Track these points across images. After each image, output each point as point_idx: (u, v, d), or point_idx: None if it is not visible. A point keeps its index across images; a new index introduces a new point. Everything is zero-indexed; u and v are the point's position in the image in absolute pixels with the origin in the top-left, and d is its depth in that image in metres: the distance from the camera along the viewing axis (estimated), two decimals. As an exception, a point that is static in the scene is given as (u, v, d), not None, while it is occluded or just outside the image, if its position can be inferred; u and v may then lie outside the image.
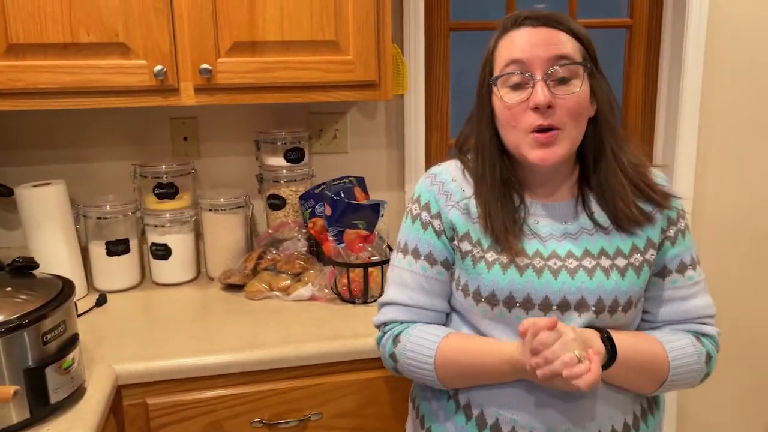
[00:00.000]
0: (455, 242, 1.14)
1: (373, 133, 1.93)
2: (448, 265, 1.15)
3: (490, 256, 1.09)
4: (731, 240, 2.17)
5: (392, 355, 1.16)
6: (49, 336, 1.09)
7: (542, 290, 1.06)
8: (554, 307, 1.06)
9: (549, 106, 1.02)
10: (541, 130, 1.03)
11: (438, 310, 1.17)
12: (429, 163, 2.01)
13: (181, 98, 1.51)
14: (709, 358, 1.12)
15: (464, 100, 2.33)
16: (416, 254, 1.16)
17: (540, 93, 1.02)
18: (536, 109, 1.02)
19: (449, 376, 1.11)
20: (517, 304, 1.07)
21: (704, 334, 1.13)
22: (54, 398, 1.10)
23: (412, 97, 1.90)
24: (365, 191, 1.80)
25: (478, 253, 1.10)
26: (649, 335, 1.11)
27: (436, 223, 1.15)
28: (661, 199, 1.10)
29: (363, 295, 1.58)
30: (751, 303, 2.23)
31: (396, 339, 1.15)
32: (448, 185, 1.16)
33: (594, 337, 1.03)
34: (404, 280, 1.17)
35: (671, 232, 1.12)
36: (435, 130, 2.02)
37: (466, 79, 2.36)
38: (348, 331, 1.43)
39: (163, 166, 1.73)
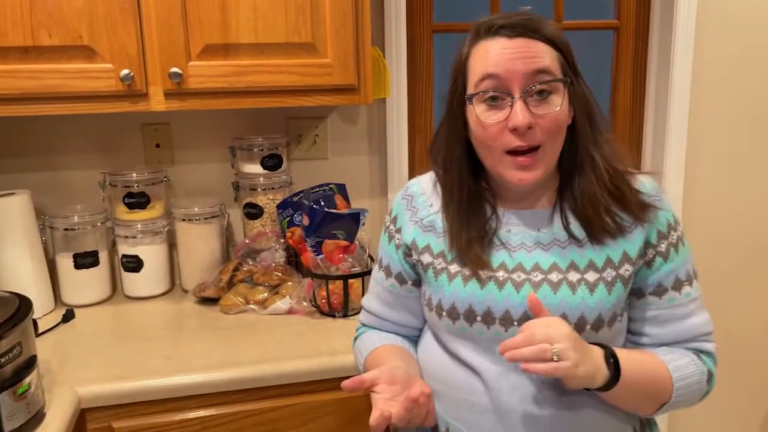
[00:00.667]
0: (414, 257, 1.11)
1: (355, 138, 1.87)
2: (402, 280, 1.14)
3: (453, 268, 1.05)
4: (721, 244, 2.13)
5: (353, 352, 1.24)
6: (2, 360, 1.02)
7: (503, 304, 1.01)
8: (515, 323, 1.00)
9: (529, 127, 0.96)
10: (520, 151, 0.98)
11: (395, 322, 1.18)
12: (412, 168, 1.95)
13: (150, 104, 1.44)
14: (710, 376, 1.06)
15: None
16: (380, 264, 1.18)
17: (519, 114, 0.95)
18: (515, 130, 0.96)
19: None
20: (478, 318, 1.02)
21: (704, 351, 1.07)
22: (8, 426, 1.03)
23: (394, 101, 1.84)
24: (346, 199, 1.73)
25: (440, 264, 1.07)
26: (650, 354, 1.05)
27: (397, 237, 1.14)
28: (637, 210, 1.02)
29: (343, 308, 1.52)
30: (742, 309, 2.19)
31: (355, 340, 1.24)
32: (417, 199, 1.14)
33: (596, 353, 0.96)
34: (371, 287, 1.23)
35: (662, 247, 1.04)
36: (418, 135, 1.96)
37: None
38: (327, 348, 1.36)
39: (134, 175, 1.66)
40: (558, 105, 0.97)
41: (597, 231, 1.01)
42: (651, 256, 1.04)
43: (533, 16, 0.99)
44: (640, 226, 1.03)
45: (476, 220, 1.05)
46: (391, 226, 1.16)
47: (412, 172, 1.95)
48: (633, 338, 1.09)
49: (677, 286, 1.05)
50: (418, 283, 1.14)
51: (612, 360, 0.97)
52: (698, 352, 1.07)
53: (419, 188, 1.15)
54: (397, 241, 1.14)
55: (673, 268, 1.05)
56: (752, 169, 2.14)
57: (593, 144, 1.02)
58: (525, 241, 1.04)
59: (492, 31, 0.98)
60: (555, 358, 0.89)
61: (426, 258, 1.08)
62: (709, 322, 1.08)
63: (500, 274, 1.02)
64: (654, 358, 1.04)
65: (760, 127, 2.11)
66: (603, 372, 0.95)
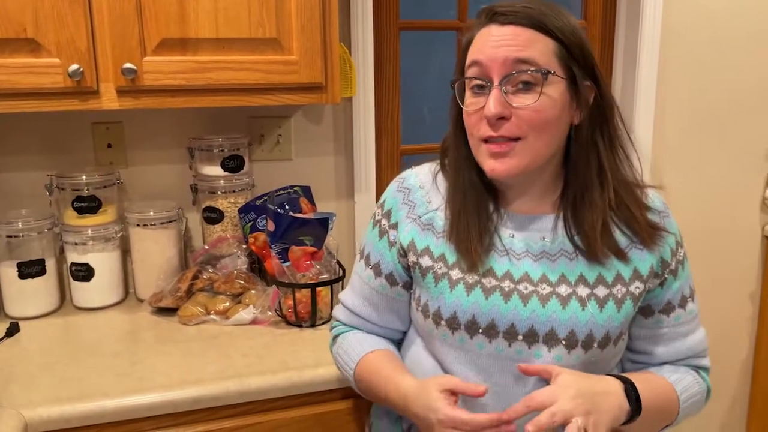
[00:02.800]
0: (411, 259, 1.03)
1: (320, 138, 1.79)
2: (393, 281, 1.07)
3: (455, 273, 0.98)
4: (685, 240, 2.13)
5: (331, 351, 1.17)
6: (-64, 387, 0.92)
7: (508, 317, 0.95)
8: (520, 337, 0.95)
9: (501, 117, 0.91)
10: (493, 139, 0.93)
11: (379, 324, 1.11)
12: (380, 170, 1.89)
13: (101, 101, 1.34)
14: (708, 392, 1.05)
15: (415, 103, 2.24)
16: (368, 261, 1.10)
17: (491, 104, 0.91)
18: (487, 119, 0.92)
19: (365, 393, 1.10)
20: (480, 331, 0.96)
21: (701, 368, 1.06)
22: (-56, 461, 0.93)
23: (361, 101, 1.77)
24: (312, 201, 1.66)
25: (440, 269, 1.00)
26: (659, 377, 1.02)
27: (392, 233, 1.06)
28: (646, 234, 0.97)
29: (311, 318, 1.45)
30: (703, 306, 2.20)
31: (335, 339, 1.16)
32: (414, 193, 1.06)
33: (613, 389, 0.92)
34: (354, 284, 1.14)
35: (673, 265, 1.01)
36: (385, 136, 1.90)
37: (417, 82, 2.26)
38: (295, 361, 1.29)
39: (84, 177, 1.55)
40: (536, 97, 0.91)
41: (593, 249, 0.96)
42: (666, 275, 1.00)
43: (540, 5, 0.93)
44: (646, 249, 0.98)
45: (477, 208, 0.99)
46: (384, 221, 1.08)
47: (380, 174, 1.89)
48: (633, 356, 1.06)
49: (683, 303, 1.03)
50: (409, 285, 1.07)
51: (634, 394, 0.93)
52: (697, 368, 1.05)
53: (417, 181, 1.08)
54: (391, 238, 1.06)
55: (680, 286, 1.03)
56: (715, 166, 2.15)
57: (605, 150, 0.96)
58: (530, 250, 0.99)
59: (488, 17, 0.94)
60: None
61: (425, 261, 1.01)
62: (706, 337, 1.07)
63: (506, 284, 0.97)
64: (664, 381, 1.00)
65: (724, 124, 2.13)
66: (625, 408, 0.91)
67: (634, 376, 0.97)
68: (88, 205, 1.55)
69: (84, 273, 1.55)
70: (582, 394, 0.88)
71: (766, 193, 2.23)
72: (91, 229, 1.55)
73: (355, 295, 1.13)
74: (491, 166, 0.94)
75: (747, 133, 2.16)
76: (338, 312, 1.17)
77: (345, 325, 1.15)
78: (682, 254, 1.04)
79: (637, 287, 0.98)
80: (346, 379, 1.13)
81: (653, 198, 1.03)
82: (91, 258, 1.55)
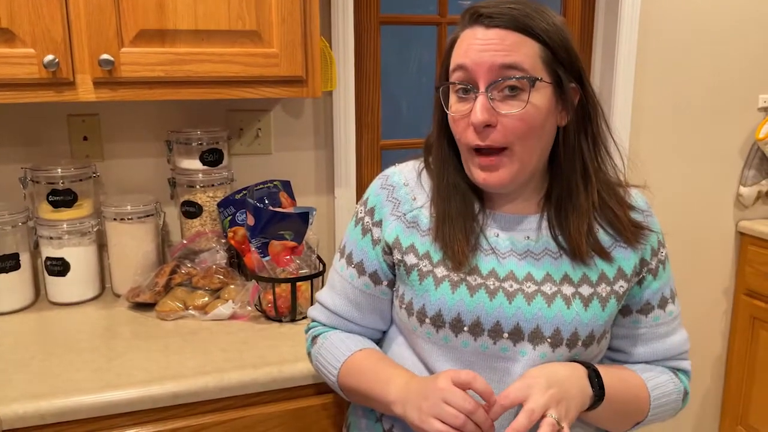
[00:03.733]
0: (396, 256, 1.02)
1: (300, 133, 1.78)
2: (377, 279, 1.05)
3: (440, 271, 0.98)
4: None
5: (309, 354, 1.14)
6: None
7: (494, 314, 0.95)
8: (505, 335, 0.95)
9: (488, 125, 0.90)
10: (482, 150, 0.92)
11: (360, 324, 1.09)
12: (360, 165, 1.89)
13: (77, 93, 1.32)
14: (685, 394, 1.05)
15: (394, 98, 2.23)
16: (350, 260, 1.08)
17: (478, 111, 0.89)
18: (474, 127, 0.91)
19: (349, 394, 1.07)
20: (465, 329, 0.96)
21: (681, 370, 1.06)
22: None
23: (341, 95, 1.76)
24: (291, 196, 1.65)
25: (425, 266, 0.99)
26: (630, 371, 1.02)
27: (376, 231, 1.04)
28: (630, 234, 0.98)
29: (290, 313, 1.44)
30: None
31: (314, 339, 1.12)
32: (399, 191, 1.05)
33: (577, 373, 0.93)
34: (334, 283, 1.11)
35: (653, 264, 1.01)
36: (366, 130, 1.89)
37: (395, 77, 2.25)
38: (275, 356, 1.28)
39: (59, 170, 1.52)
40: (523, 104, 0.89)
41: (579, 252, 0.96)
42: (644, 273, 1.01)
43: (525, 5, 0.91)
44: (630, 248, 0.99)
45: (463, 210, 0.98)
46: (367, 219, 1.06)
47: (360, 169, 1.88)
48: (611, 354, 1.06)
49: (662, 304, 1.03)
50: (392, 283, 1.06)
51: (597, 380, 0.93)
52: (675, 370, 1.05)
53: (401, 178, 1.06)
54: (375, 236, 1.04)
55: (660, 286, 1.03)
56: (691, 161, 2.19)
57: (589, 152, 0.96)
58: (515, 249, 0.98)
59: (473, 19, 0.92)
60: (559, 425, 0.85)
61: (410, 259, 1.00)
62: (687, 340, 1.07)
63: (491, 282, 0.96)
64: (634, 375, 1.01)
65: (699, 121, 2.16)
66: (588, 393, 0.92)
67: (602, 366, 0.97)
68: (63, 198, 1.52)
69: (59, 268, 1.53)
70: (552, 383, 0.89)
71: (740, 190, 2.26)
72: (67, 223, 1.53)
73: (336, 294, 1.10)
74: (482, 177, 0.94)
75: (721, 131, 2.19)
76: (316, 312, 1.14)
77: (324, 325, 1.13)
78: (663, 255, 1.04)
79: (621, 286, 0.98)
80: (326, 380, 1.10)
81: (636, 197, 1.04)
82: (66, 252, 1.53)
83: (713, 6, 2.07)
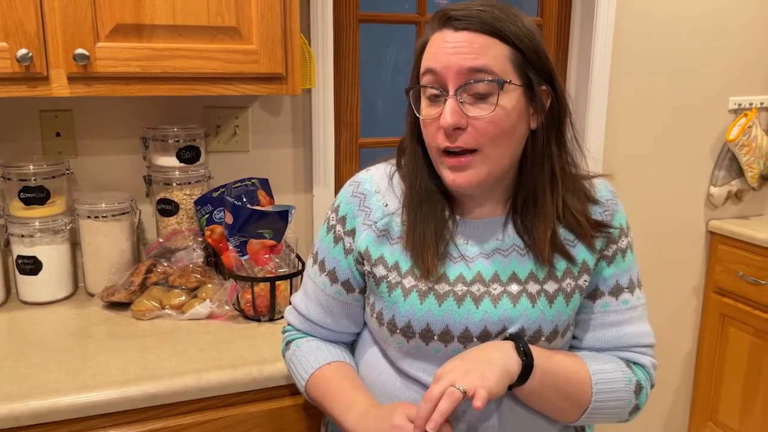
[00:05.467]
0: (366, 267, 1.02)
1: (278, 130, 1.77)
2: (350, 287, 1.06)
3: (408, 282, 0.98)
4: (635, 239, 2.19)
5: (284, 356, 1.16)
6: None
7: (462, 321, 0.96)
8: (475, 339, 0.96)
9: (458, 128, 0.90)
10: (451, 152, 0.92)
11: (334, 330, 1.10)
12: (339, 163, 1.88)
13: (51, 88, 1.29)
14: (639, 388, 1.01)
15: (374, 96, 2.23)
16: (322, 267, 1.08)
17: (448, 114, 0.89)
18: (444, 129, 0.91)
19: (315, 404, 1.08)
20: (435, 337, 0.97)
21: (636, 363, 1.03)
22: None
23: (320, 92, 1.75)
24: (270, 194, 1.64)
25: (394, 278, 0.99)
26: (570, 353, 1.02)
27: (348, 240, 1.04)
28: (593, 240, 0.99)
29: (269, 312, 1.43)
30: (649, 299, 2.26)
31: (288, 344, 1.13)
32: (370, 199, 1.04)
33: (497, 344, 0.93)
34: (307, 289, 1.11)
35: (609, 251, 1.01)
36: (344, 128, 1.89)
37: (374, 74, 2.25)
38: (254, 356, 1.27)
39: (31, 167, 1.48)
40: (492, 107, 0.90)
41: (543, 255, 0.97)
42: (597, 259, 1.01)
43: (494, 7, 0.91)
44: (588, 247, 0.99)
45: (433, 216, 0.98)
46: (339, 227, 1.05)
47: (339, 167, 1.87)
48: None
49: (615, 291, 1.02)
50: (365, 289, 1.06)
51: (522, 348, 0.92)
52: (629, 362, 1.03)
53: (372, 185, 1.05)
54: (347, 245, 1.04)
55: (614, 273, 1.02)
56: (666, 163, 2.22)
57: (557, 155, 0.97)
58: (483, 252, 0.99)
59: (442, 21, 0.92)
60: (465, 393, 0.85)
61: (380, 270, 1.00)
62: (649, 334, 1.05)
63: (458, 287, 0.97)
64: (572, 355, 1.00)
65: (672, 122, 2.20)
66: (515, 359, 0.91)
67: (534, 346, 0.96)
68: (35, 195, 1.49)
69: (31, 266, 1.50)
70: (459, 360, 0.90)
71: (711, 190, 2.31)
72: (39, 221, 1.49)
73: (309, 300, 1.10)
74: (451, 178, 0.94)
75: (693, 133, 2.23)
76: (291, 316, 1.14)
77: (298, 330, 1.13)
78: (624, 243, 1.03)
79: (585, 280, 0.99)
80: (297, 387, 1.11)
81: (601, 188, 1.04)
82: (38, 251, 1.50)
83: (685, 11, 2.10)
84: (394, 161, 1.07)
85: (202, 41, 1.35)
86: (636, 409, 1.02)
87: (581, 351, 1.04)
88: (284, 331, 1.16)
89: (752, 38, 2.22)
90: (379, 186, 1.05)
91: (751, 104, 2.26)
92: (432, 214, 0.99)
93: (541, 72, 0.93)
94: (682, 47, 2.13)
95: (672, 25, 2.10)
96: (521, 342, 0.94)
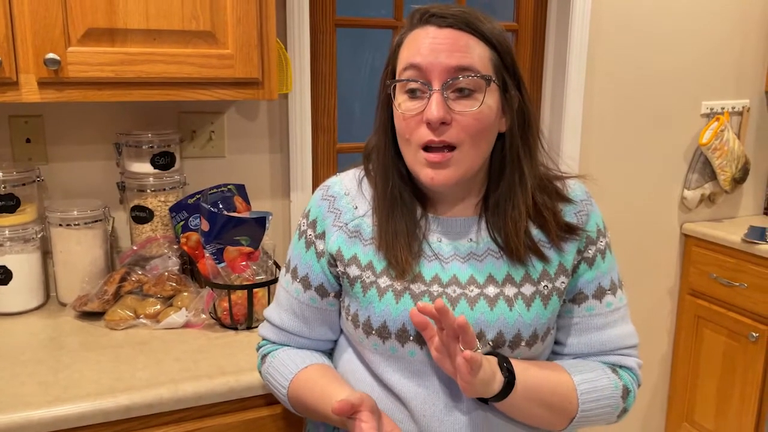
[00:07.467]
0: (339, 268, 1.01)
1: (254, 135, 1.75)
2: (324, 292, 1.04)
3: (383, 281, 0.97)
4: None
5: (260, 372, 1.13)
6: None
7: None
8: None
9: (443, 122, 0.90)
10: (432, 147, 0.92)
11: (310, 338, 1.08)
12: (316, 168, 1.87)
13: (21, 93, 1.26)
14: (627, 392, 1.01)
15: (351, 100, 2.22)
16: (295, 274, 1.07)
17: (434, 107, 0.89)
18: (429, 123, 0.91)
19: (300, 410, 1.05)
20: (411, 338, 0.96)
21: (622, 366, 1.03)
22: None
23: (297, 97, 1.74)
24: (246, 200, 1.62)
25: (368, 278, 0.98)
26: (554, 363, 1.02)
27: (319, 244, 1.03)
28: (558, 239, 0.98)
29: (247, 320, 1.41)
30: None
31: (264, 358, 1.11)
32: (340, 201, 1.04)
33: (491, 362, 0.92)
34: (280, 299, 1.10)
35: (589, 253, 1.01)
36: (322, 133, 1.87)
37: (350, 79, 2.24)
38: (231, 366, 1.25)
39: (0, 174, 1.45)
40: (478, 103, 0.90)
41: (517, 254, 0.96)
42: (577, 261, 1.01)
43: (472, 10, 0.93)
44: (560, 248, 0.99)
45: (405, 215, 0.98)
46: (310, 231, 1.05)
47: (316, 172, 1.86)
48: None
49: (599, 294, 1.02)
50: (340, 293, 1.05)
51: (505, 364, 0.92)
52: (616, 366, 1.03)
53: (342, 188, 1.05)
54: (319, 248, 1.03)
55: (596, 276, 1.02)
56: (639, 168, 2.25)
57: (528, 156, 0.97)
58: (458, 252, 0.98)
59: (424, 19, 0.92)
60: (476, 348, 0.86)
61: (353, 270, 0.99)
62: (633, 335, 1.05)
63: (434, 288, 0.96)
64: (556, 367, 1.00)
65: (646, 127, 2.22)
66: (498, 377, 0.91)
67: (516, 360, 0.95)
68: (5, 203, 1.45)
69: (1, 276, 1.46)
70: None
71: (684, 194, 2.33)
72: (9, 230, 1.46)
73: (282, 310, 1.09)
74: (429, 175, 0.93)
75: (667, 136, 2.26)
76: (265, 330, 1.12)
77: (273, 343, 1.11)
78: (603, 244, 1.03)
79: (562, 282, 0.99)
80: (279, 400, 1.09)
81: (575, 188, 1.04)
82: (8, 260, 1.46)
83: (659, 17, 2.13)
84: (362, 167, 1.07)
85: (177, 46, 1.33)
86: (624, 411, 1.03)
87: (565, 358, 1.04)
88: (259, 347, 1.14)
89: (724, 44, 2.26)
90: (349, 189, 1.05)
91: (723, 108, 2.30)
92: (404, 212, 0.98)
93: (514, 76, 0.95)
94: (655, 52, 2.16)
95: (646, 30, 2.12)
96: (506, 360, 0.93)
